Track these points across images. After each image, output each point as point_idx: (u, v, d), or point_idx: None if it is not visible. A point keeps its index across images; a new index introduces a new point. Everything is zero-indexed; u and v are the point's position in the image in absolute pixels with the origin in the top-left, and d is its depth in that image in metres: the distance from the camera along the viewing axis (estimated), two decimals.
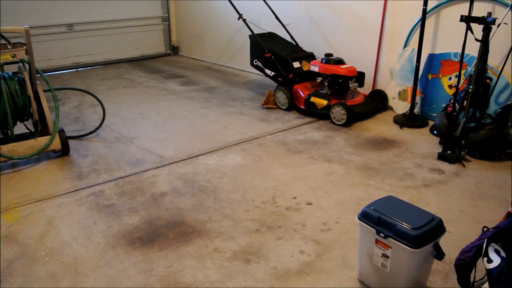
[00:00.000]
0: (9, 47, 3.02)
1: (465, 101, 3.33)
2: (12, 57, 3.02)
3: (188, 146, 3.54)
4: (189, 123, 4.06)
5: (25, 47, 3.07)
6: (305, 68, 4.36)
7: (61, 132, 3.28)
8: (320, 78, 4.20)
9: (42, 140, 3.19)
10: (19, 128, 3.53)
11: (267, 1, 4.83)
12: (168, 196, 2.78)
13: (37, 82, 3.22)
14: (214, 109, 4.46)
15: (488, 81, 3.32)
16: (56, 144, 3.25)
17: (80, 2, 6.09)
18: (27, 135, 3.34)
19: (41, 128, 3.35)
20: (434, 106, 4.00)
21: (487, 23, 3.16)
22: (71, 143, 3.55)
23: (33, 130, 3.46)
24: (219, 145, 3.56)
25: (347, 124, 3.91)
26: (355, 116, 3.94)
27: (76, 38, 6.19)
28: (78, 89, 3.97)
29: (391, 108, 4.34)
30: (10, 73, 3.20)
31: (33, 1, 5.66)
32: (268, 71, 4.49)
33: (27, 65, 3.21)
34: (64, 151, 3.33)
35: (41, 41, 5.81)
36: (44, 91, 3.29)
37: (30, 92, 3.13)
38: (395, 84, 4.25)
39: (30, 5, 5.66)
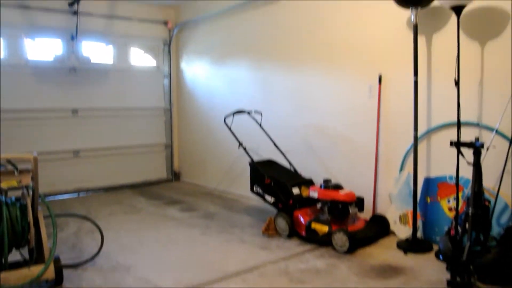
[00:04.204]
0: (16, 173, 3.10)
1: (467, 224, 3.30)
2: (18, 183, 3.08)
3: (187, 276, 3.40)
4: (188, 251, 3.96)
5: (31, 174, 3.15)
6: (304, 194, 4.41)
7: (57, 260, 3.17)
8: (320, 204, 4.22)
9: (36, 269, 3.07)
10: (14, 254, 3.42)
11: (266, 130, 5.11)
12: None
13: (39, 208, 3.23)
14: (214, 236, 4.39)
15: (487, 203, 3.33)
16: (50, 273, 3.12)
17: (86, 129, 6.42)
18: (21, 263, 3.23)
19: (36, 256, 3.26)
20: (436, 229, 3.95)
21: (476, 147, 3.26)
22: (66, 272, 3.42)
23: (27, 256, 3.35)
24: (218, 275, 3.41)
25: (350, 250, 3.80)
26: (358, 241, 3.86)
27: (80, 164, 6.39)
28: (78, 215, 3.98)
29: (393, 233, 4.27)
30: (13, 198, 3.23)
31: (38, 130, 6.01)
32: (268, 197, 4.54)
33: (30, 190, 3.25)
34: (58, 281, 3.18)
35: (46, 166, 5.96)
36: (44, 217, 3.27)
37: (30, 218, 3.12)
38: (395, 208, 4.26)
39: (36, 132, 6.01)
